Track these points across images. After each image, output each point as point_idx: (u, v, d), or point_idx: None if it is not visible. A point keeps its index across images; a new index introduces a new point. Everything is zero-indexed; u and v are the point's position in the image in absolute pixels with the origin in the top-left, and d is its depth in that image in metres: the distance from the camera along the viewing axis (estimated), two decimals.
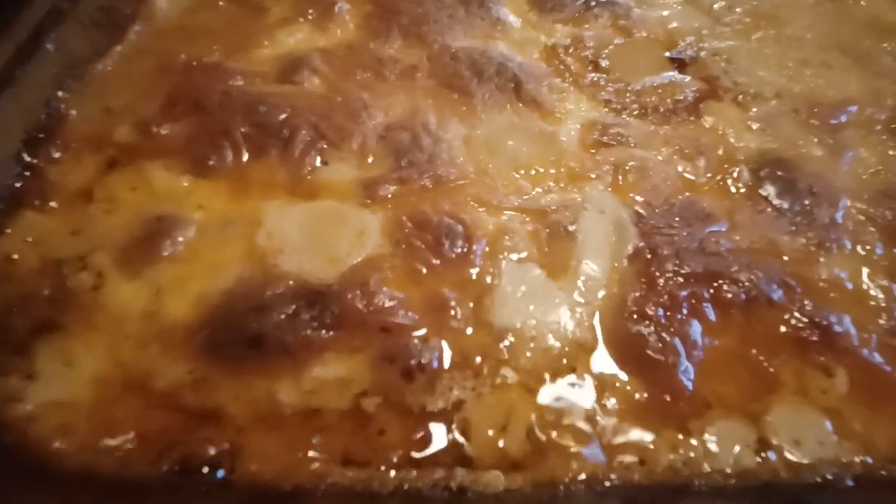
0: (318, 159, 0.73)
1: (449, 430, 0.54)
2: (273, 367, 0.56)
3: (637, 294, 0.63)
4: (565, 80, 0.87)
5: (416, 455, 0.53)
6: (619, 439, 0.55)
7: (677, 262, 0.66)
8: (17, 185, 0.69)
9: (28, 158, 0.70)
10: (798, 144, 0.82)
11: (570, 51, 0.91)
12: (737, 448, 0.55)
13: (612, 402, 0.57)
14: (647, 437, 0.55)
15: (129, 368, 0.56)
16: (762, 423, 0.57)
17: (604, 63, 0.90)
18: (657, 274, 0.65)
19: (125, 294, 0.61)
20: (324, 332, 0.58)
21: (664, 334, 0.61)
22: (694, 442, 0.55)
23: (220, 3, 0.94)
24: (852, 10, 1.02)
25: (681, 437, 0.56)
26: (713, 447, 0.55)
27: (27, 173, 0.69)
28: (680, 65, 0.91)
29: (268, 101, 0.77)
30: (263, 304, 0.59)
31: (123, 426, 0.53)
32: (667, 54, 0.93)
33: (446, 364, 0.58)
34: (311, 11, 0.93)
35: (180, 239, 0.64)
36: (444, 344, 0.59)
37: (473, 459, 0.53)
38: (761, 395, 0.59)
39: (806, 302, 0.64)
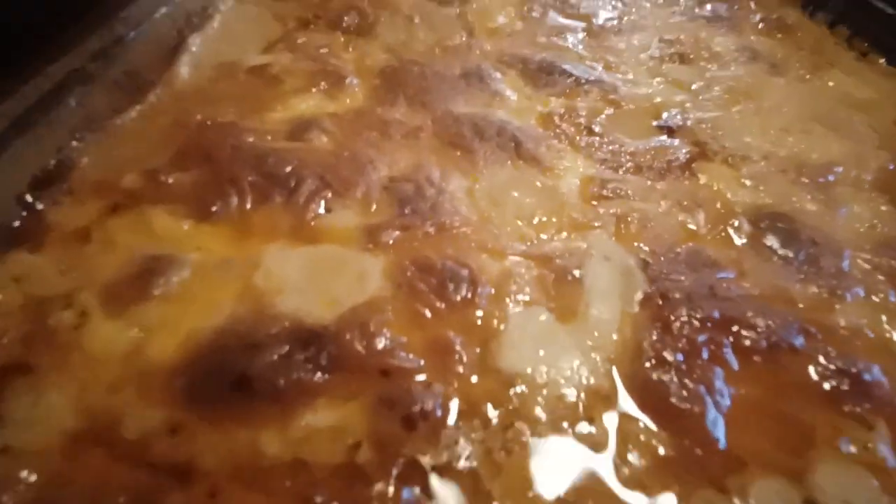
0: (322, 206, 0.73)
1: (454, 487, 0.48)
2: (259, 412, 0.51)
3: (653, 338, 0.60)
4: (562, 142, 0.91)
5: None
6: (648, 499, 0.49)
7: (690, 306, 0.63)
8: (16, 224, 0.67)
9: (30, 200, 0.70)
10: (792, 200, 0.83)
11: (565, 118, 0.96)
12: None
13: (635, 456, 0.51)
14: (679, 496, 0.49)
15: (96, 414, 0.50)
16: (807, 483, 0.51)
17: (597, 129, 0.95)
18: (671, 318, 0.62)
19: (106, 333, 0.56)
20: (318, 374, 0.54)
21: (687, 381, 0.56)
22: (736, 502, 0.49)
23: (241, 76, 1.01)
24: (823, 89, 1.11)
25: (718, 497, 0.49)
26: None
27: (25, 213, 0.68)
28: (669, 131, 0.97)
29: (277, 154, 0.79)
30: (255, 343, 0.55)
31: (82, 481, 0.46)
32: (654, 123, 0.99)
33: (451, 412, 0.53)
34: (323, 83, 0.99)
35: (174, 279, 0.62)
36: (449, 390, 0.54)
37: None
38: (800, 451, 0.53)
39: (829, 349, 0.61)
